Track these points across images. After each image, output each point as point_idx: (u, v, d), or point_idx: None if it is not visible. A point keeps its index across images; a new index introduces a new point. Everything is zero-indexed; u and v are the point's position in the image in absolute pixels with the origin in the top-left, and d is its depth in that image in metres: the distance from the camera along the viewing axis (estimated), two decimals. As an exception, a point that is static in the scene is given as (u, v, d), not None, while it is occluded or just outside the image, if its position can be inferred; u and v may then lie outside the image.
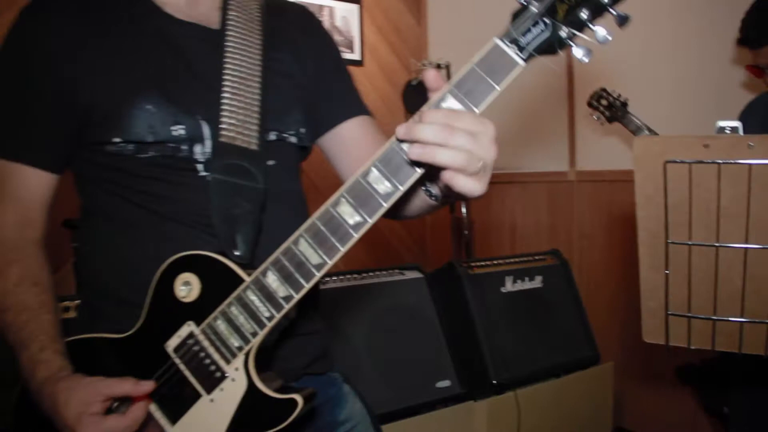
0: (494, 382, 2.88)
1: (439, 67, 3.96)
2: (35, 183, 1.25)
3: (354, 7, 4.07)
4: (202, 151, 1.22)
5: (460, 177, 0.95)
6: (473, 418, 2.85)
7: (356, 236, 1.01)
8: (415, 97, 4.09)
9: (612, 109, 2.99)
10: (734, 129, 1.17)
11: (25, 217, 1.26)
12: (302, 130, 1.37)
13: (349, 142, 1.44)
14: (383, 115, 4.10)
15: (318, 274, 1.04)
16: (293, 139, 1.36)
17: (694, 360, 3.22)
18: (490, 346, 2.94)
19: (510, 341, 3.02)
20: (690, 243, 1.28)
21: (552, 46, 0.96)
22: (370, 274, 2.84)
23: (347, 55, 3.86)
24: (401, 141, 0.97)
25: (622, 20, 0.93)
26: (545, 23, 0.95)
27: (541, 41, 0.96)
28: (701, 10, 3.25)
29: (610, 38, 0.94)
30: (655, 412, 3.51)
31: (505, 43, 0.96)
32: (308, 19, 1.51)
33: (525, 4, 0.96)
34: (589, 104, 3.06)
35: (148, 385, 1.12)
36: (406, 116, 4.19)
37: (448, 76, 3.85)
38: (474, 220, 4.03)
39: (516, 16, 0.97)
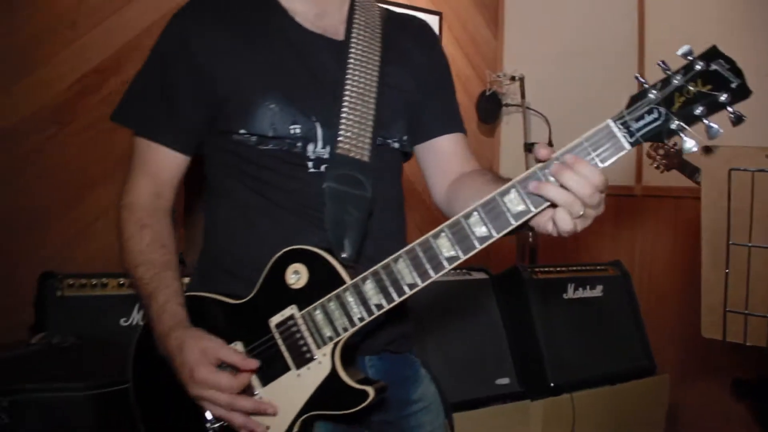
0: (552, 384, 2.98)
1: (513, 79, 4.08)
2: (170, 162, 1.43)
3: (434, 19, 4.19)
4: (313, 150, 1.36)
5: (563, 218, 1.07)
6: (529, 417, 2.95)
7: (448, 268, 1.14)
8: (488, 107, 4.21)
9: (668, 158, 3.10)
10: (795, 142, 1.28)
11: (159, 190, 1.43)
12: (405, 137, 1.50)
13: (441, 156, 1.56)
14: None
15: (409, 292, 1.17)
16: (396, 145, 1.48)
17: (750, 376, 3.25)
18: (549, 349, 3.04)
19: (569, 346, 3.12)
20: (750, 245, 1.38)
21: (660, 134, 1.01)
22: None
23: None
24: (503, 193, 1.09)
25: (738, 120, 0.98)
26: (659, 112, 1.00)
27: (651, 128, 1.01)
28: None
29: (721, 132, 0.98)
30: (708, 426, 3.53)
31: (617, 125, 1.02)
32: (426, 34, 1.62)
33: (645, 88, 1.02)
34: (648, 154, 3.18)
35: (253, 363, 1.26)
36: (478, 125, 4.34)
37: (522, 88, 3.98)
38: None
39: (633, 100, 1.02)
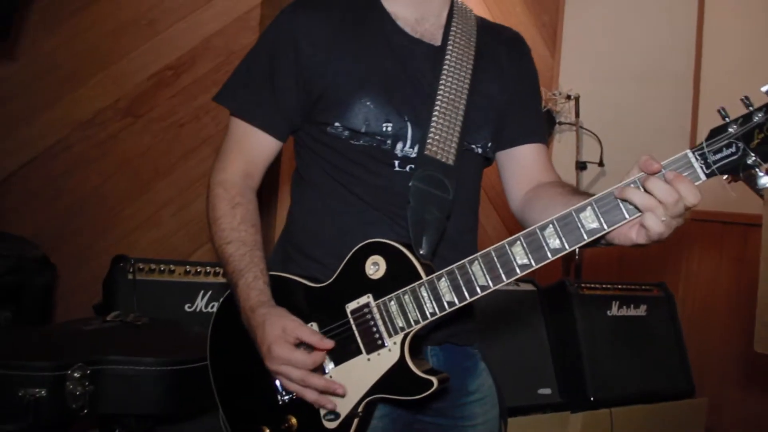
0: (592, 398, 3.03)
1: (568, 98, 4.13)
2: (264, 145, 1.51)
3: (493, 35, 4.25)
4: (402, 149, 1.43)
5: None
6: (568, 428, 2.99)
7: (520, 274, 1.21)
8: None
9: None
10: None
11: (250, 171, 1.52)
12: (489, 144, 1.55)
13: (521, 164, 1.60)
14: None
15: (480, 294, 1.24)
16: (479, 151, 1.54)
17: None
18: (591, 363, 3.09)
19: (610, 362, 3.15)
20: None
21: (736, 168, 1.04)
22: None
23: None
24: (579, 210, 1.15)
25: None
26: (738, 147, 1.03)
27: (728, 162, 1.04)
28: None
29: None
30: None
31: (695, 156, 1.07)
32: (518, 45, 1.66)
33: (726, 122, 1.05)
34: None
35: (329, 344, 1.33)
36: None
37: (576, 107, 4.04)
38: (585, 245, 4.15)
39: (714, 133, 1.06)
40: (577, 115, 4.08)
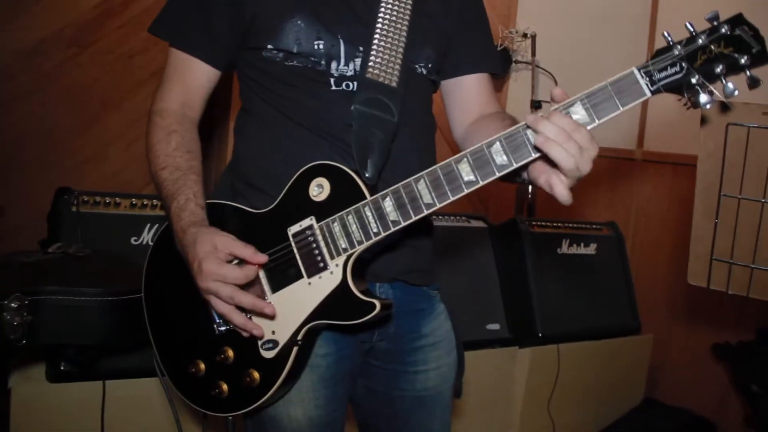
0: (540, 333, 3.09)
1: (525, 36, 4.10)
2: (202, 74, 1.49)
3: (449, -31, 4.18)
4: (336, 68, 1.42)
5: (560, 183, 1.16)
6: (516, 363, 3.08)
7: (466, 191, 1.22)
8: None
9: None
10: (791, 103, 1.36)
11: (189, 100, 1.50)
12: (430, 65, 1.53)
13: (464, 95, 1.60)
14: None
15: (425, 212, 1.24)
16: (423, 71, 1.52)
17: (730, 339, 3.37)
18: (540, 300, 3.14)
19: (559, 299, 3.22)
20: (740, 197, 1.46)
21: (680, 87, 1.10)
22: (439, 217, 3.05)
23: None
24: (527, 127, 1.17)
25: (754, 83, 1.06)
26: (681, 66, 1.09)
27: (672, 81, 1.10)
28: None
29: (737, 93, 1.07)
30: (686, 387, 3.66)
31: (641, 73, 1.11)
32: None
33: (670, 44, 1.10)
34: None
35: (263, 257, 1.32)
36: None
37: (533, 46, 4.02)
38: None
39: (658, 53, 1.11)
40: (533, 54, 4.05)
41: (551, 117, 1.14)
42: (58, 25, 3.20)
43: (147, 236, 2.47)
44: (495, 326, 3.04)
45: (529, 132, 1.17)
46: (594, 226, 3.55)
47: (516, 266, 3.19)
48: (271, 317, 1.33)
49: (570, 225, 3.46)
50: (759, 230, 1.47)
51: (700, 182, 1.51)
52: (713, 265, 1.55)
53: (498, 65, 1.67)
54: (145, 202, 2.48)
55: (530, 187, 3.77)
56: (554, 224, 3.40)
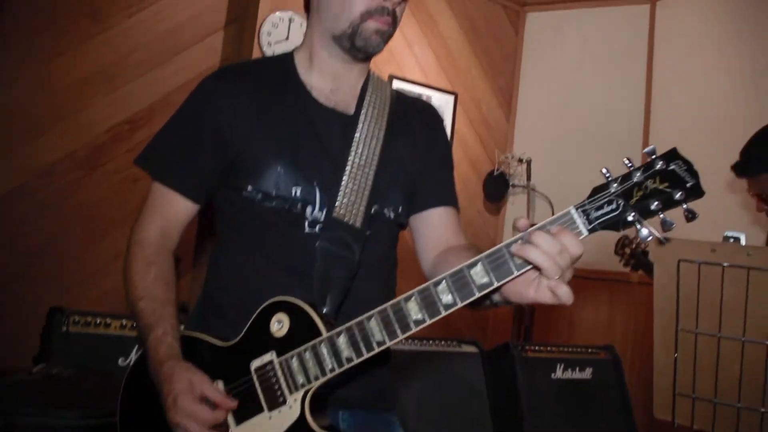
0: (534, 462, 3.00)
1: (520, 161, 4.22)
2: (181, 207, 1.56)
3: (450, 99, 4.38)
4: (311, 213, 1.48)
5: (557, 284, 1.15)
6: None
7: (414, 329, 1.24)
8: (495, 186, 4.35)
9: (635, 258, 3.08)
10: (736, 239, 1.40)
11: (167, 231, 1.56)
12: (400, 208, 1.61)
13: (431, 227, 1.66)
14: (464, 199, 4.28)
15: (377, 349, 1.27)
16: (391, 215, 1.59)
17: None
18: (533, 427, 3.05)
19: (554, 425, 3.13)
20: (696, 331, 1.48)
21: (617, 224, 1.11)
22: (430, 342, 3.04)
23: (438, 141, 4.09)
24: (470, 266, 1.19)
25: (691, 216, 1.08)
26: (618, 204, 1.10)
27: (608, 218, 1.11)
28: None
29: (675, 226, 1.09)
30: None
31: (578, 212, 1.13)
32: (430, 115, 1.75)
33: (607, 180, 1.13)
34: (615, 252, 3.15)
35: (232, 404, 1.36)
36: (485, 203, 4.47)
37: (528, 170, 4.12)
38: (536, 307, 4.18)
39: (595, 191, 1.13)
40: (529, 178, 4.16)
41: (533, 238, 1.13)
42: (73, 147, 3.37)
43: (134, 357, 2.49)
44: (486, 454, 2.97)
45: (472, 270, 1.19)
46: (590, 350, 3.50)
47: (509, 392, 3.12)
48: None
49: (565, 349, 3.42)
50: (718, 364, 1.48)
51: (657, 317, 1.53)
52: (677, 399, 1.55)
53: (457, 203, 1.72)
54: (135, 324, 2.52)
55: (528, 312, 3.76)
56: (549, 348, 3.36)
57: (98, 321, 2.49)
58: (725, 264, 1.42)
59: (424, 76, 4.34)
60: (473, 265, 1.19)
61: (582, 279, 4.10)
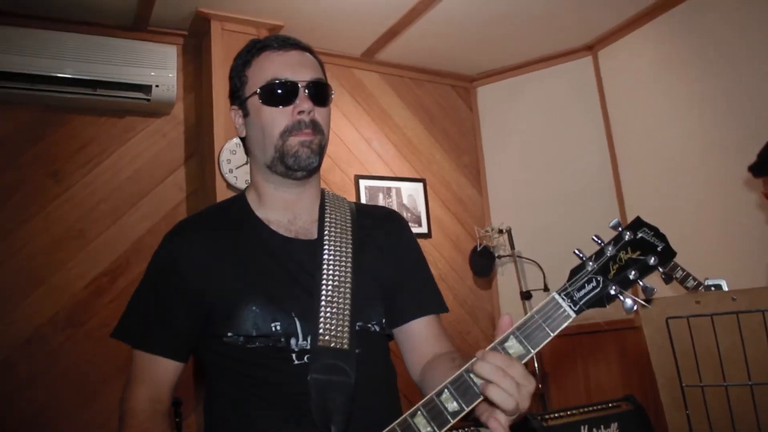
0: None
1: (501, 232, 4.24)
2: (165, 369, 1.54)
3: (419, 186, 4.42)
4: (296, 344, 1.47)
5: (498, 425, 1.15)
6: None
7: None
8: (481, 261, 4.36)
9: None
10: (718, 286, 1.40)
11: (157, 395, 1.53)
12: (383, 320, 1.59)
13: (415, 339, 1.64)
14: (454, 280, 4.37)
15: None
16: (376, 328, 1.58)
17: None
18: (572, 498, 2.98)
19: (592, 492, 3.05)
20: (702, 385, 1.46)
21: (601, 300, 1.13)
22: (452, 429, 2.95)
23: (416, 230, 4.12)
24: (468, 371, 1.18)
25: (668, 278, 1.13)
26: (597, 281, 1.12)
27: (591, 296, 1.13)
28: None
29: (656, 290, 1.11)
30: None
31: (561, 296, 1.14)
32: (393, 221, 1.75)
33: (583, 261, 1.15)
34: None
35: None
36: (474, 279, 4.47)
37: (510, 239, 4.14)
38: (548, 372, 4.14)
39: (573, 273, 1.15)
40: (513, 246, 4.18)
41: (486, 356, 1.16)
42: (52, 311, 3.34)
43: None
44: None
45: (471, 374, 1.18)
46: (611, 405, 3.43)
47: (537, 468, 3.05)
48: None
49: (585, 409, 3.35)
50: (731, 413, 1.45)
51: (659, 376, 1.51)
52: (700, 456, 1.51)
53: (442, 305, 1.71)
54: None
55: (539, 380, 3.70)
56: (569, 413, 3.29)
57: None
58: (712, 314, 1.41)
59: (389, 169, 4.40)
60: (440, 392, 1.19)
61: (589, 334, 4.09)
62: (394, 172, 4.41)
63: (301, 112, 1.53)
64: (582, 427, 3.25)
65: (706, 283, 1.42)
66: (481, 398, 1.18)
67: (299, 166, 1.55)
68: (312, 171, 1.60)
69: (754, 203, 3.42)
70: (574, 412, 3.31)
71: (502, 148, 4.75)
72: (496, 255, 4.31)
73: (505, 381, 1.14)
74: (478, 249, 4.30)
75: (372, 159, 4.36)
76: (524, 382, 1.15)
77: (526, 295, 3.97)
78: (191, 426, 3.41)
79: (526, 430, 3.16)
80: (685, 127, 3.83)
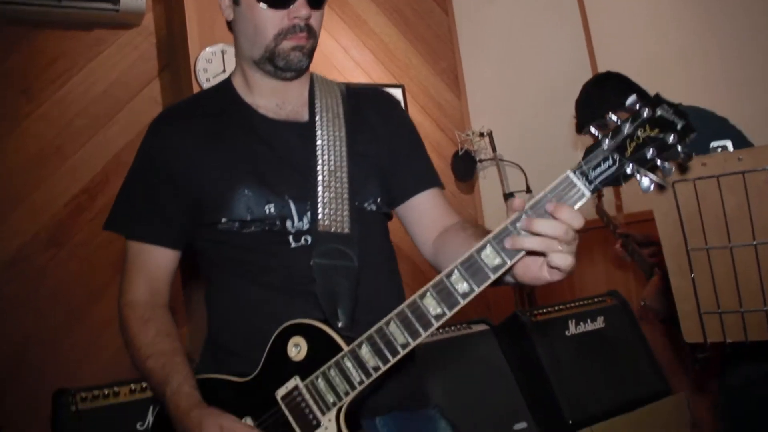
0: (570, 421, 2.98)
1: (482, 135, 4.22)
2: (162, 259, 1.53)
3: (398, 92, 4.35)
4: (293, 226, 1.45)
5: (560, 255, 1.12)
6: (552, 457, 2.96)
7: (436, 325, 1.21)
8: (462, 165, 4.35)
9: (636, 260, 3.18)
10: (724, 147, 1.39)
11: (155, 288, 1.53)
12: (379, 199, 1.57)
13: (420, 214, 1.62)
14: None
15: (402, 352, 1.24)
16: (372, 207, 1.56)
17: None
18: (561, 387, 3.05)
19: (580, 381, 3.13)
20: (707, 248, 1.47)
21: (617, 179, 1.09)
22: (440, 330, 3.02)
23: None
24: (479, 249, 1.15)
25: (686, 157, 1.06)
26: (614, 159, 1.08)
27: (607, 174, 1.09)
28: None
29: (673, 171, 1.07)
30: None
31: (576, 175, 1.10)
32: (385, 102, 1.71)
33: (598, 139, 1.10)
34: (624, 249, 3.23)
35: None
36: (456, 184, 4.47)
37: (491, 142, 4.12)
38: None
39: (588, 151, 1.11)
40: (494, 149, 4.16)
41: (531, 224, 1.11)
42: (33, 231, 3.28)
43: (152, 418, 2.43)
44: (522, 425, 2.95)
45: (482, 254, 1.15)
46: (596, 300, 3.51)
47: (528, 360, 3.13)
48: None
49: (572, 305, 3.43)
50: (736, 274, 1.47)
51: (665, 243, 1.52)
52: (704, 318, 1.54)
53: (440, 180, 1.68)
54: (144, 385, 2.46)
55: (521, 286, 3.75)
56: (556, 308, 3.37)
57: (106, 392, 2.44)
58: (719, 175, 1.41)
59: (367, 76, 4.33)
60: (482, 248, 1.16)
61: (571, 234, 4.12)
62: (373, 79, 4.33)
63: (297, 17, 1.47)
64: (569, 322, 3.33)
65: (711, 146, 1.40)
66: (491, 278, 1.16)
67: (289, 68, 1.51)
68: (301, 72, 1.56)
69: (732, 109, 3.42)
70: (561, 307, 3.39)
71: (479, 51, 4.66)
72: (478, 159, 4.30)
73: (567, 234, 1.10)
74: (460, 153, 4.28)
75: (350, 67, 4.28)
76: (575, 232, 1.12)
77: (508, 197, 3.98)
78: (183, 336, 3.41)
79: (516, 326, 3.23)
80: (664, 29, 3.77)
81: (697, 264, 1.49)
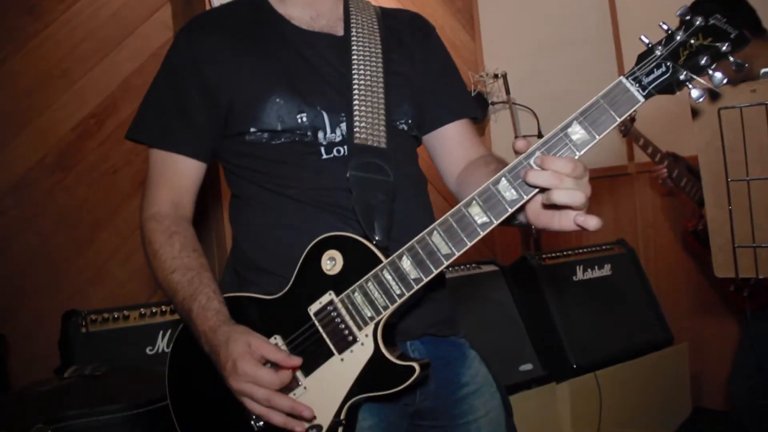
0: (574, 365, 3.03)
1: (496, 77, 4.15)
2: (188, 169, 1.48)
3: (412, 30, 4.27)
4: (324, 137, 1.41)
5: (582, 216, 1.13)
6: (556, 399, 3.00)
7: (482, 234, 1.18)
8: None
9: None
10: (776, 73, 1.35)
11: (179, 199, 1.48)
12: (410, 120, 1.53)
13: (450, 144, 1.59)
14: None
15: (446, 263, 1.20)
16: (404, 127, 1.52)
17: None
18: (567, 331, 3.09)
19: (585, 326, 3.17)
20: (748, 179, 1.44)
21: (671, 86, 1.08)
22: (449, 269, 2.99)
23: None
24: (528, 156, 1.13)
25: (739, 67, 1.05)
26: (667, 66, 1.07)
27: (661, 81, 1.08)
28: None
29: (725, 81, 1.06)
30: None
31: (629, 81, 1.09)
32: (420, 25, 1.65)
33: (650, 46, 1.10)
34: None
35: (297, 361, 1.28)
36: (469, 126, 4.38)
37: (506, 84, 4.06)
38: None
39: (641, 57, 1.10)
40: (508, 92, 4.10)
41: (544, 162, 1.11)
42: (40, 154, 3.22)
43: (161, 344, 2.44)
44: (528, 366, 2.98)
45: (531, 160, 1.13)
46: (604, 247, 3.52)
47: (535, 302, 3.15)
48: (309, 420, 1.28)
49: (580, 251, 3.43)
50: (774, 208, 1.44)
51: (705, 173, 1.49)
52: (738, 252, 1.52)
53: (475, 109, 1.66)
54: (154, 310, 2.46)
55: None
56: (565, 253, 3.38)
57: (116, 315, 2.44)
58: (768, 102, 1.37)
59: (381, 11, 4.21)
60: (498, 180, 1.15)
61: (580, 180, 4.10)
62: (387, 15, 4.22)
63: None
64: (577, 267, 3.34)
65: (762, 71, 1.36)
66: (534, 193, 1.14)
67: None
68: None
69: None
70: (569, 252, 3.40)
71: (496, -8, 4.56)
72: (490, 101, 4.23)
73: (566, 181, 1.09)
74: (472, 95, 4.22)
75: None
76: (583, 174, 1.12)
77: (521, 142, 3.94)
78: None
79: (525, 268, 3.24)
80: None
81: (735, 196, 1.47)
